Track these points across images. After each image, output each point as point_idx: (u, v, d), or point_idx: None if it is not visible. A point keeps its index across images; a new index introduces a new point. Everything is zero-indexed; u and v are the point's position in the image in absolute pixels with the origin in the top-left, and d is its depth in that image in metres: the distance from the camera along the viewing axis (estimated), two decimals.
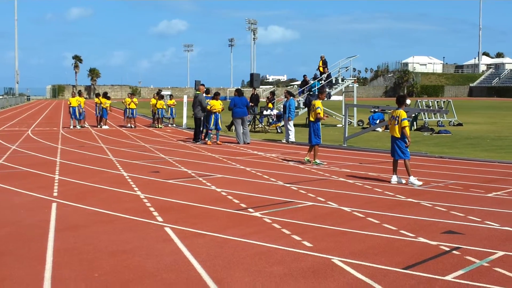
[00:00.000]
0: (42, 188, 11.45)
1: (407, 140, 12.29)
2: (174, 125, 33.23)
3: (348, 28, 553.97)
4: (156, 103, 32.35)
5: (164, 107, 32.92)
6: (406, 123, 12.28)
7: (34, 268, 6.31)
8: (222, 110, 21.92)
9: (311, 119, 15.62)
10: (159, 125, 32.13)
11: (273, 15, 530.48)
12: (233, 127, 27.42)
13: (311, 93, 31.77)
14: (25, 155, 17.54)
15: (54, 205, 9.79)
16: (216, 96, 21.96)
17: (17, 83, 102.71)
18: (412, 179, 12.18)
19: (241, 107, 22.00)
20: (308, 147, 16.00)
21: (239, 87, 26.36)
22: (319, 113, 15.42)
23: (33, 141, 22.55)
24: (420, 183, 12.11)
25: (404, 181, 12.31)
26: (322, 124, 16.46)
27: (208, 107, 21.53)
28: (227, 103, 23.72)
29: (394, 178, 12.41)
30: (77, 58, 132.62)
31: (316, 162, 15.36)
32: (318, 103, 15.55)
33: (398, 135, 12.35)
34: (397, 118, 12.36)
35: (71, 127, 30.24)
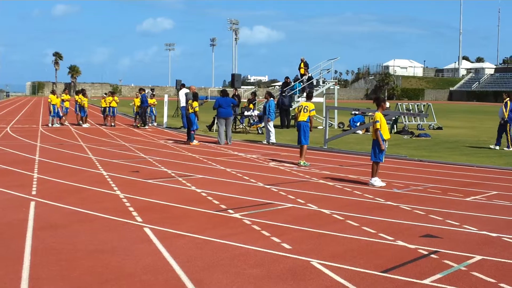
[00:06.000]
0: (21, 187, 11.35)
1: (380, 143, 12.33)
2: (155, 124, 33.10)
3: (334, 30, 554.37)
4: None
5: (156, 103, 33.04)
6: (377, 125, 12.35)
7: (12, 267, 6.25)
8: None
9: (303, 119, 15.65)
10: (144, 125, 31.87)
11: (259, 15, 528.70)
12: (214, 127, 27.45)
13: (284, 94, 31.87)
14: (3, 153, 17.37)
15: (32, 204, 9.71)
16: (196, 97, 22.00)
17: None
18: (373, 180, 12.38)
19: (225, 107, 21.97)
20: (299, 149, 15.98)
21: (225, 88, 26.37)
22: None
23: (12, 139, 22.34)
24: (382, 184, 12.33)
25: (384, 184, 12.43)
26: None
27: (191, 110, 21.46)
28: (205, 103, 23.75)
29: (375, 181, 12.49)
30: (58, 55, 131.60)
31: (305, 163, 15.46)
32: (312, 105, 15.87)
33: (374, 137, 12.50)
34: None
35: (50, 124, 29.99)
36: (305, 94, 33.14)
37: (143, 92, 31.52)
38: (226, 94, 22.80)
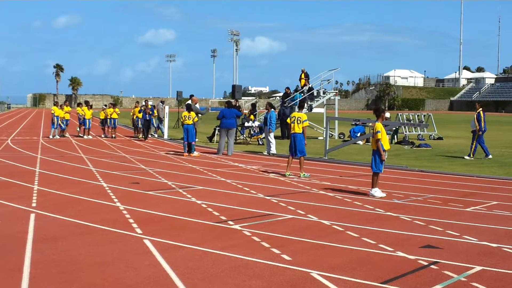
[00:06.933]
0: (21, 198, 11.36)
1: (380, 154, 12.35)
2: (156, 135, 33.13)
3: (335, 41, 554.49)
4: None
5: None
6: (378, 136, 12.37)
7: (11, 280, 6.25)
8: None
9: (298, 131, 15.63)
10: (142, 136, 31.67)
11: (261, 26, 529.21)
12: (214, 139, 27.49)
13: (285, 105, 31.96)
14: (4, 165, 17.38)
15: (32, 216, 9.71)
16: (189, 108, 22.03)
17: None
18: (373, 190, 12.38)
19: (229, 118, 22.05)
20: (287, 160, 16.10)
21: (229, 100, 26.51)
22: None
23: (13, 150, 22.36)
24: (382, 194, 12.32)
25: (384, 194, 12.42)
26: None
27: (190, 121, 21.41)
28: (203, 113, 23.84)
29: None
30: (59, 67, 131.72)
31: (304, 174, 15.45)
32: (304, 116, 15.81)
33: (374, 147, 12.51)
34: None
35: (51, 136, 30.04)
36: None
37: (150, 106, 31.30)
38: (232, 106, 22.89)
